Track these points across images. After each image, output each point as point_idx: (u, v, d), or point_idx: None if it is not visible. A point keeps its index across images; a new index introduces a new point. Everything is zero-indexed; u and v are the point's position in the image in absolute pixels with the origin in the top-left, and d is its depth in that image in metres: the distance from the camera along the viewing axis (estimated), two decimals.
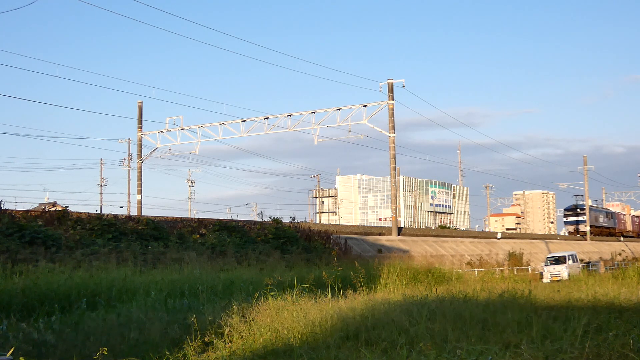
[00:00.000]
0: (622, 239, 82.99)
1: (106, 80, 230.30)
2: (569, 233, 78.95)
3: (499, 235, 49.96)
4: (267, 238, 25.56)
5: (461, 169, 78.09)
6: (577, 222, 77.70)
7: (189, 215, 66.00)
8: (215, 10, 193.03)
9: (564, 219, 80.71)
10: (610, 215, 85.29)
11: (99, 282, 14.08)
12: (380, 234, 36.44)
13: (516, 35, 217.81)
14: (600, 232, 79.81)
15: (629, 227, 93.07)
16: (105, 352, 7.97)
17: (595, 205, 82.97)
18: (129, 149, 58.64)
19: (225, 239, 23.73)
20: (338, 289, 13.86)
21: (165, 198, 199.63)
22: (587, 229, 70.90)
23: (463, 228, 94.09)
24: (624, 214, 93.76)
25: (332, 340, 9.08)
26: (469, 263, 38.45)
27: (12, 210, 20.39)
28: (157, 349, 9.10)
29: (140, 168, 45.29)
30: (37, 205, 43.84)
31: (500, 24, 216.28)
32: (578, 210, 78.19)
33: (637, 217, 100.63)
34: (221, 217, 30.38)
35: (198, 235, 23.63)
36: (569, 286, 20.08)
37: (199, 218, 29.45)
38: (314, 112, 38.99)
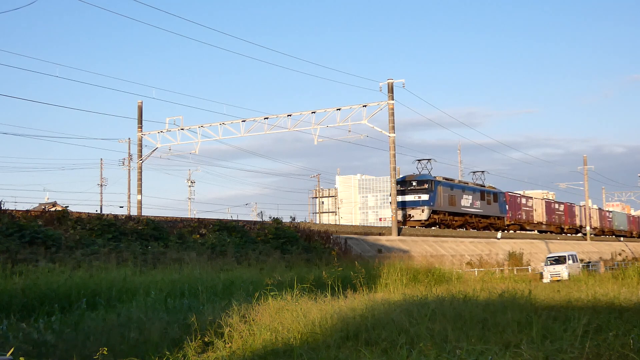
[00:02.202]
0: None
1: (106, 80, 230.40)
2: (398, 222, 41.23)
3: (499, 235, 49.91)
4: (267, 238, 25.56)
5: (461, 169, 77.80)
6: (411, 205, 43.73)
7: (189, 215, 66.02)
8: (215, 10, 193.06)
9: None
10: (491, 196, 52.19)
11: (99, 282, 14.09)
12: (380, 234, 36.46)
13: (516, 35, 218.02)
14: (466, 222, 48.77)
15: (539, 217, 61.98)
16: (105, 352, 7.98)
17: (457, 180, 50.17)
18: (129, 149, 58.69)
19: (225, 239, 23.72)
20: (338, 289, 13.86)
21: (165, 198, 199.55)
22: (588, 228, 67.98)
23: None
24: (529, 198, 61.82)
25: (332, 340, 9.08)
26: (469, 263, 38.45)
27: (12, 210, 20.38)
28: (157, 349, 9.11)
29: (140, 168, 45.30)
30: (37, 205, 43.84)
31: (500, 24, 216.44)
32: (413, 184, 43.88)
33: (561, 204, 69.00)
34: (221, 217, 30.39)
35: (198, 235, 23.63)
36: (569, 286, 20.09)
37: (199, 218, 29.44)
38: (314, 112, 39.00)
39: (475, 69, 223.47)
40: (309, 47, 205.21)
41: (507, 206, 55.57)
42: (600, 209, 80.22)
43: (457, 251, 40.14)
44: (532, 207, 60.91)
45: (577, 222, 70.89)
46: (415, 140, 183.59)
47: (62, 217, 20.89)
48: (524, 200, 59.88)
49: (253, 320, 10.36)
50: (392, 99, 37.23)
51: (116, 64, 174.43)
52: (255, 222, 29.00)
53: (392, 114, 37.19)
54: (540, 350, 7.83)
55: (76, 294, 12.94)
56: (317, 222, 64.33)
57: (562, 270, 33.45)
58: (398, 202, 42.25)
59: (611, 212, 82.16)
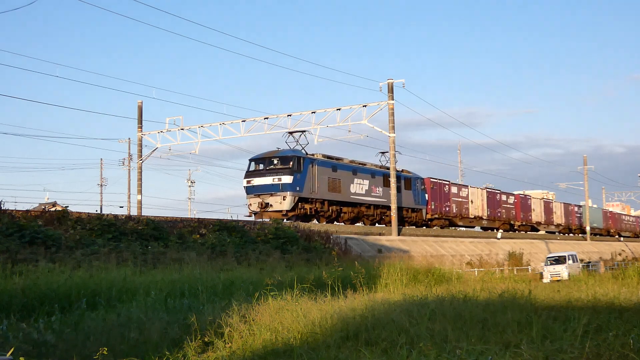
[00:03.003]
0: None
1: (106, 80, 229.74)
2: (254, 214, 33.05)
3: (499, 235, 49.94)
4: (267, 238, 25.57)
5: (461, 169, 77.37)
6: (268, 190, 32.63)
7: (189, 215, 66.09)
8: (215, 11, 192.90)
9: (244, 184, 33.64)
10: (402, 182, 40.95)
11: (99, 282, 14.09)
12: (380, 234, 36.47)
13: (517, 35, 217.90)
14: (360, 214, 37.80)
15: (478, 210, 51.24)
16: (105, 352, 7.99)
17: (347, 160, 37.81)
18: (129, 149, 58.81)
19: (225, 239, 23.73)
20: (338, 289, 13.87)
21: (165, 198, 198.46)
22: (588, 228, 67.15)
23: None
24: (463, 187, 50.47)
25: (332, 340, 9.09)
26: (469, 263, 38.48)
27: (12, 210, 20.39)
28: (157, 349, 9.11)
29: (140, 168, 45.32)
30: (37, 205, 43.97)
31: (500, 23, 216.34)
32: (274, 162, 33.37)
33: (511, 195, 57.97)
34: (221, 217, 30.40)
35: (198, 235, 23.63)
36: (569, 286, 20.11)
37: (199, 218, 29.44)
38: (314, 112, 39.00)
39: (475, 69, 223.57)
40: (309, 47, 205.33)
41: (426, 195, 44.19)
42: (566, 203, 69.53)
43: (457, 251, 40.17)
44: (466, 197, 49.98)
45: (533, 218, 60.67)
46: (415, 140, 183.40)
47: (62, 217, 20.89)
48: (454, 190, 48.53)
49: (253, 320, 10.36)
50: (392, 99, 37.24)
51: (116, 64, 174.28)
52: (255, 222, 28.98)
53: (392, 114, 37.20)
54: (540, 350, 7.84)
55: (76, 294, 12.94)
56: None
57: (562, 270, 33.51)
58: (251, 187, 32.98)
59: (581, 207, 72.22)
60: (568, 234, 67.17)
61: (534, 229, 61.83)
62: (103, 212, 29.67)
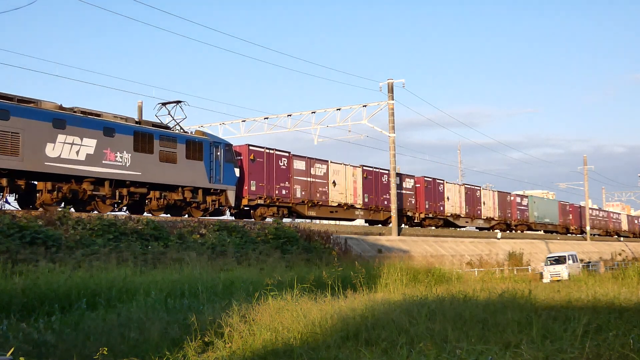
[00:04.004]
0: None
1: (106, 80, 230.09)
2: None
3: (499, 235, 49.90)
4: (267, 238, 25.57)
5: (461, 169, 77.01)
6: None
7: None
8: (215, 11, 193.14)
9: None
10: (180, 146, 25.69)
11: (99, 282, 14.09)
12: (380, 234, 36.46)
13: (517, 35, 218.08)
14: (77, 195, 22.40)
15: (343, 196, 36.22)
16: (105, 352, 7.98)
17: (33, 101, 20.80)
18: None
19: (225, 239, 23.73)
20: (338, 289, 13.87)
21: None
22: (588, 228, 67.16)
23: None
24: (319, 162, 34.88)
25: (332, 340, 9.09)
26: (469, 263, 38.47)
27: (13, 211, 20.39)
28: (157, 349, 9.12)
29: None
30: None
31: (501, 24, 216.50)
32: None
33: (411, 178, 42.60)
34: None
35: (198, 235, 23.62)
36: (569, 286, 20.12)
37: (199, 218, 29.41)
38: (314, 112, 39.05)
39: (475, 68, 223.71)
40: (309, 47, 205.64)
41: (237, 170, 29.29)
42: (503, 192, 54.81)
43: (457, 251, 40.16)
44: (324, 177, 35.02)
45: (447, 209, 45.92)
46: (415, 140, 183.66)
47: (63, 217, 20.87)
48: (299, 165, 33.54)
49: (253, 320, 10.36)
50: (392, 99, 37.25)
51: (116, 64, 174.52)
52: (255, 222, 28.96)
53: (392, 114, 37.21)
54: (540, 350, 7.84)
55: (76, 294, 12.95)
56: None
57: (562, 270, 33.55)
58: None
59: (526, 197, 59.11)
60: (505, 230, 54.02)
61: (450, 223, 47.00)
62: None
